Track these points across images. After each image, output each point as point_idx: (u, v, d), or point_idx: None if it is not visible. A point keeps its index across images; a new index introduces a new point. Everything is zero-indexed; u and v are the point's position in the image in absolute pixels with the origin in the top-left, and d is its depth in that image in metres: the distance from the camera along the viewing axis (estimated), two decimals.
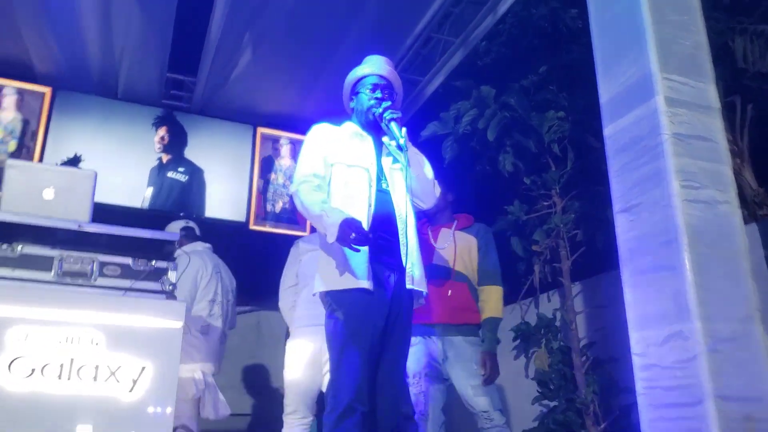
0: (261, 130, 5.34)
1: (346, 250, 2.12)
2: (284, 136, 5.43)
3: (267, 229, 5.13)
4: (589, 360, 4.00)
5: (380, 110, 2.29)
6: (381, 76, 2.40)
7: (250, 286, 5.48)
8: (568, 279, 4.26)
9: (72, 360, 2.30)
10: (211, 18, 4.10)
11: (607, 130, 2.79)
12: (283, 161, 5.41)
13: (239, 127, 5.34)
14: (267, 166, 5.33)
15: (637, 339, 2.51)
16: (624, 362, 3.89)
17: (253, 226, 5.11)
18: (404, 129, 2.25)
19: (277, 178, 5.33)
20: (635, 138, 2.62)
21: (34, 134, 4.79)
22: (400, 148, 2.25)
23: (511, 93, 4.28)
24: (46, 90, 4.91)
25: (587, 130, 4.32)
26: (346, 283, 2.15)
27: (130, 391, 2.35)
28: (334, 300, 2.18)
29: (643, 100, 2.58)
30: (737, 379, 2.26)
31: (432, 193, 2.42)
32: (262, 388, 5.36)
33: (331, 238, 2.06)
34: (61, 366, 2.29)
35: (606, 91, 2.82)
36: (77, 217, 2.59)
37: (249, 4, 3.98)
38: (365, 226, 2.16)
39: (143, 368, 2.39)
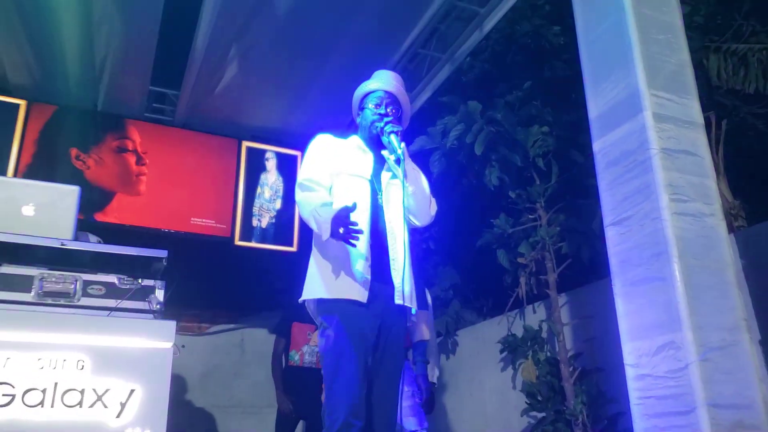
0: (246, 143, 5.31)
1: (347, 250, 2.14)
2: (270, 150, 5.40)
3: (253, 245, 5.08)
4: (577, 371, 4.04)
5: (381, 124, 2.30)
6: (387, 92, 2.41)
7: (235, 304, 5.45)
8: (554, 290, 4.31)
9: (56, 385, 2.23)
10: (196, 30, 4.07)
11: (597, 145, 2.85)
12: (270, 176, 5.38)
13: (223, 141, 5.31)
14: (252, 180, 5.30)
15: (630, 349, 2.55)
16: (610, 372, 3.95)
17: (238, 242, 5.07)
18: (403, 144, 2.26)
19: (263, 192, 5.30)
20: (625, 153, 2.69)
21: (8, 149, 4.68)
22: (398, 161, 2.25)
23: (497, 108, 4.36)
24: (21, 102, 4.81)
25: (571, 145, 4.41)
26: (341, 292, 2.14)
27: (118, 416, 2.28)
28: (325, 314, 2.17)
29: (632, 116, 2.65)
30: (727, 387, 2.32)
31: (427, 210, 2.40)
32: (248, 406, 5.30)
33: (326, 234, 2.06)
34: (44, 392, 2.21)
35: (595, 106, 2.88)
36: (60, 234, 2.49)
37: (237, 16, 3.97)
38: (367, 233, 2.18)
39: (132, 391, 2.33)
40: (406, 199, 2.26)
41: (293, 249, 5.24)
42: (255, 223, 5.18)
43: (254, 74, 4.52)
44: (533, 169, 4.49)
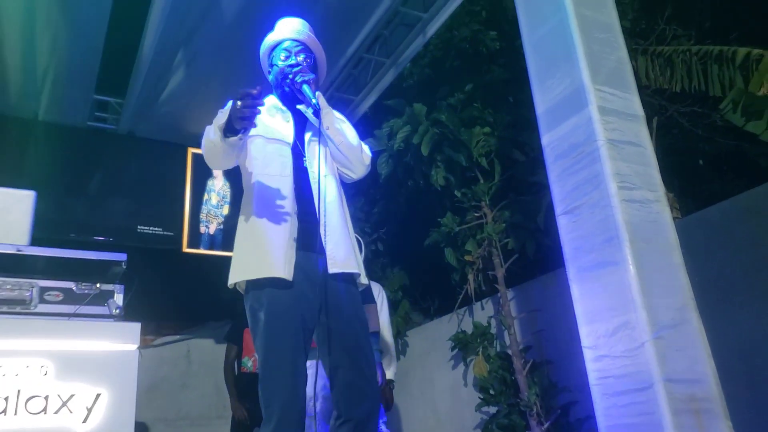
0: (192, 150, 5.19)
1: (270, 225, 1.95)
2: None
3: (201, 251, 4.97)
4: (529, 363, 4.15)
5: (291, 76, 2.07)
6: (295, 41, 2.19)
7: (181, 314, 5.32)
8: (503, 285, 4.43)
9: (19, 392, 2.15)
10: (143, 37, 3.97)
11: (545, 139, 2.97)
12: (217, 181, 5.28)
13: (170, 148, 5.17)
14: (200, 186, 5.18)
15: (587, 332, 2.66)
16: (559, 363, 4.09)
17: (186, 249, 4.94)
18: (319, 93, 2.05)
19: (210, 198, 5.19)
20: (572, 145, 2.81)
21: None
22: (315, 113, 2.04)
23: (441, 110, 4.46)
24: None
25: (512, 144, 4.58)
26: (261, 270, 1.93)
27: (85, 421, 2.22)
28: (254, 296, 1.96)
29: (578, 110, 2.79)
30: (680, 363, 2.45)
31: (360, 159, 2.14)
32: (196, 418, 5.16)
33: (224, 116, 1.86)
34: (7, 399, 2.13)
35: (542, 102, 3.00)
36: (15, 240, 2.43)
37: (185, 22, 3.90)
38: (290, 204, 1.99)
39: (98, 395, 2.27)
40: (332, 152, 2.06)
41: None
42: (203, 229, 5.07)
43: (201, 79, 4.44)
44: (477, 169, 4.63)
